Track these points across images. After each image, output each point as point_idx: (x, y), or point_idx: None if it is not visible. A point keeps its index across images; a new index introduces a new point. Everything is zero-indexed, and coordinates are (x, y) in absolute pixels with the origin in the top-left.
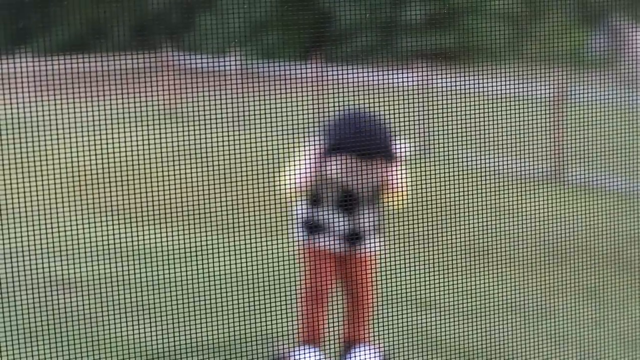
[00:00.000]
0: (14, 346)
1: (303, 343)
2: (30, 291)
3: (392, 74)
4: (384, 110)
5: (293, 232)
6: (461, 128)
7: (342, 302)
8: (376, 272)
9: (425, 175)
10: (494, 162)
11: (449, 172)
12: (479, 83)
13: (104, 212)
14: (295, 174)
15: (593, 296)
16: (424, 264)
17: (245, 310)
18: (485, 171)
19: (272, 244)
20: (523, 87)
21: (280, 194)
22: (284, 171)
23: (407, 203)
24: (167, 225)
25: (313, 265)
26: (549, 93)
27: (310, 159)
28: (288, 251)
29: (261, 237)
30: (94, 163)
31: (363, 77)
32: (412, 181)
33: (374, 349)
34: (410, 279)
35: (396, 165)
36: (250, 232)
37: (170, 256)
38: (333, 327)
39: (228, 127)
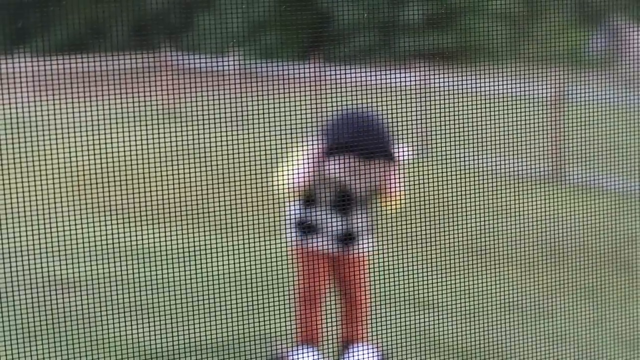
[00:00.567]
0: (13, 346)
1: (301, 343)
2: (30, 291)
3: (391, 74)
4: (383, 110)
5: (286, 233)
6: (460, 128)
7: (337, 302)
8: (369, 272)
9: (424, 174)
10: (493, 162)
11: (447, 171)
12: (477, 83)
13: (103, 212)
14: (292, 174)
15: (591, 296)
16: (423, 264)
17: (244, 310)
18: (484, 171)
19: (271, 244)
20: (522, 87)
21: (274, 193)
22: (280, 170)
23: (403, 205)
24: (166, 225)
25: (306, 266)
26: (548, 93)
27: (308, 159)
28: (285, 251)
29: (261, 237)
30: (93, 163)
31: (361, 77)
32: (409, 182)
33: (372, 348)
34: (409, 279)
35: (395, 167)
36: (249, 232)
37: (169, 256)
38: (330, 327)
39: (227, 127)
